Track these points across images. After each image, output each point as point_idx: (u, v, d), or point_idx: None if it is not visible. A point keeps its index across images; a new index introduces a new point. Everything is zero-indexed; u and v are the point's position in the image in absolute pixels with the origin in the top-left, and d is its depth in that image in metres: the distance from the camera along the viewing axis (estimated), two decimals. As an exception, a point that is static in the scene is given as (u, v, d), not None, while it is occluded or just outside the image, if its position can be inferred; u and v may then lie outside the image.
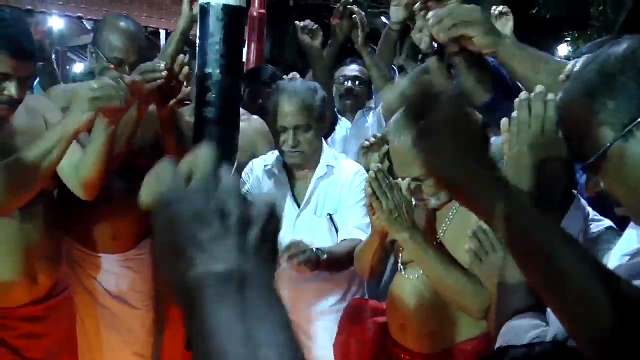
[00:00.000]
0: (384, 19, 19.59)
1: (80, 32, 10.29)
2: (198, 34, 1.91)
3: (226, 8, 1.86)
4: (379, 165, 1.77)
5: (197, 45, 1.91)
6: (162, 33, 8.44)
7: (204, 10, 1.88)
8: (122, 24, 2.22)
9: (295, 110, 2.15)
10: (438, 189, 1.80)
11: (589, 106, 0.97)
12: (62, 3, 7.56)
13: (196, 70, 1.93)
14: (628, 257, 1.09)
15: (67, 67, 12.54)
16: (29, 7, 7.19)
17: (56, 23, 9.18)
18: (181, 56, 2.07)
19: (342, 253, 2.15)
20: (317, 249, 2.08)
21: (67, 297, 2.11)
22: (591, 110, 0.96)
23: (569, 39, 19.55)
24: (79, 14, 7.66)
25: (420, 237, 1.80)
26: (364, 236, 2.15)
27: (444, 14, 1.51)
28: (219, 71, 1.87)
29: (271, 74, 2.94)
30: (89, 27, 9.13)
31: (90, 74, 2.64)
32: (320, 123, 2.22)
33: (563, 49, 20.67)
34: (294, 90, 2.18)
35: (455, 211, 1.90)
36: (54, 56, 11.46)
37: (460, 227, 1.87)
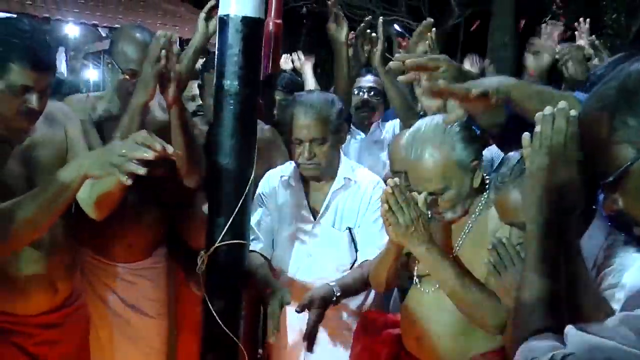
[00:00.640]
0: (396, 26, 19.64)
1: (95, 38, 10.38)
2: (217, 46, 1.93)
3: (245, 20, 1.88)
4: (396, 180, 1.76)
5: (216, 56, 1.93)
6: (177, 40, 8.52)
7: (223, 22, 1.89)
8: (138, 35, 2.20)
9: (311, 122, 2.13)
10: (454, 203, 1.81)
11: (608, 123, 0.95)
12: (77, 10, 7.66)
13: (214, 81, 1.95)
14: None
15: (82, 74, 12.66)
16: (46, 15, 7.29)
17: (71, 30, 9.30)
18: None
19: (360, 279, 2.13)
20: (331, 287, 2.05)
21: (81, 304, 2.11)
22: (610, 128, 0.95)
23: (583, 47, 19.55)
24: (94, 22, 7.75)
25: (436, 251, 1.79)
26: None
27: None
28: (236, 82, 1.88)
29: (287, 81, 2.92)
30: (104, 34, 9.23)
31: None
32: (337, 135, 2.21)
33: (576, 57, 20.67)
34: (310, 102, 2.16)
35: (470, 225, 1.89)
36: (66, 63, 11.61)
37: (476, 240, 1.87)
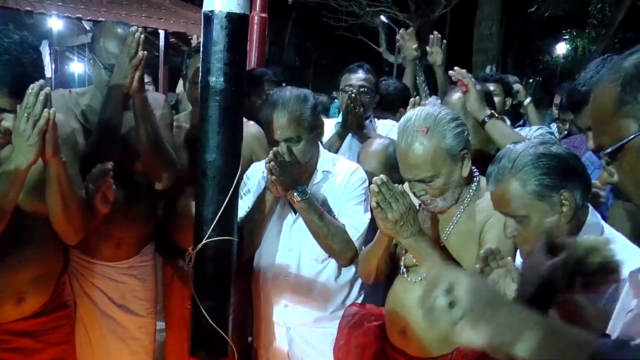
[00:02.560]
0: (383, 17, 19.56)
1: (78, 31, 10.29)
2: (202, 42, 1.92)
3: (230, 16, 1.86)
4: (383, 177, 1.78)
5: (201, 53, 1.92)
6: (161, 33, 8.44)
7: (208, 18, 1.88)
8: (119, 30, 2.21)
9: (285, 123, 2.11)
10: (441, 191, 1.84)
11: (618, 95, 0.96)
12: (61, 4, 7.55)
13: (200, 77, 1.94)
14: (629, 313, 1.09)
15: (66, 66, 12.55)
16: (28, 9, 7.19)
17: (55, 24, 9.20)
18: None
19: (334, 224, 2.17)
20: (304, 188, 2.11)
21: (63, 314, 2.08)
22: (620, 100, 0.96)
23: (567, 37, 19.60)
24: (78, 15, 7.65)
25: (425, 241, 1.82)
26: (356, 234, 2.19)
27: None
28: (222, 79, 1.87)
29: (258, 75, 2.91)
30: (88, 28, 9.14)
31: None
32: (313, 131, 2.19)
33: (561, 47, 20.72)
34: (282, 102, 2.13)
35: (459, 215, 1.92)
36: (50, 56, 11.46)
37: (464, 231, 1.90)
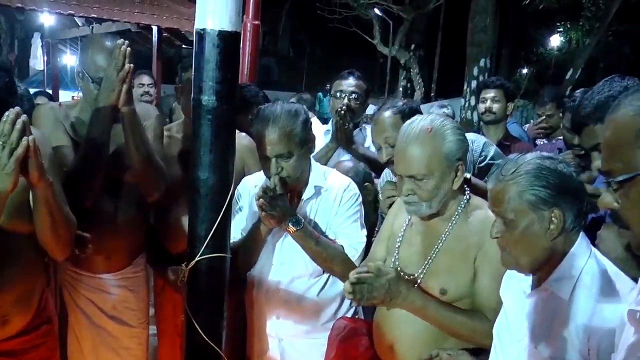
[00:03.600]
0: (377, 10, 19.49)
1: (70, 25, 10.20)
2: (194, 60, 1.92)
3: (221, 34, 1.87)
4: (352, 277, 1.80)
5: (193, 70, 1.92)
6: (154, 29, 8.38)
7: (200, 36, 1.88)
8: (107, 43, 2.20)
9: (275, 139, 2.11)
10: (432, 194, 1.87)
11: (636, 128, 0.98)
12: (53, 0, 7.48)
13: (192, 95, 1.94)
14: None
15: (58, 59, 12.46)
16: (19, 5, 7.10)
17: (47, 19, 9.13)
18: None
19: (332, 247, 2.19)
20: (298, 217, 2.12)
21: (46, 330, 2.07)
22: (637, 133, 0.98)
23: (561, 29, 19.59)
24: (70, 11, 7.55)
25: (418, 299, 1.86)
26: (355, 254, 2.21)
27: None
28: (214, 97, 1.87)
29: (249, 97, 2.94)
30: (80, 24, 9.06)
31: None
32: (304, 146, 2.19)
33: (555, 40, 20.72)
34: (273, 118, 2.13)
35: (447, 233, 1.94)
36: (42, 49, 11.34)
37: (454, 247, 1.91)
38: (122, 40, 2.13)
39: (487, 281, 1.84)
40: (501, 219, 1.56)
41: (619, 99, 1.09)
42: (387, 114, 2.44)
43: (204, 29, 1.87)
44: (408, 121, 1.94)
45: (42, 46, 12.36)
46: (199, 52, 1.89)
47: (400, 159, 1.90)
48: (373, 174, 2.72)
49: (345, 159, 2.92)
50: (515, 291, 1.68)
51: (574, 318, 1.47)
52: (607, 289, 1.46)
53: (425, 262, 1.93)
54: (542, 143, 3.97)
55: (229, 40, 1.88)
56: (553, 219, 1.51)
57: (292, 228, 2.11)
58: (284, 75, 27.52)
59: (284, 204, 2.09)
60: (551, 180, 1.51)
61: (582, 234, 1.55)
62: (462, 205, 1.94)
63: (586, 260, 1.52)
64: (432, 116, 1.94)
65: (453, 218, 1.93)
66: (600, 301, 1.45)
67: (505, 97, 3.69)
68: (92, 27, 9.22)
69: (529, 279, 1.63)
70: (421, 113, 2.42)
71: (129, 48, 2.10)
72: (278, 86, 22.94)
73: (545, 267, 1.55)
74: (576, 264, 1.51)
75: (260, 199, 2.04)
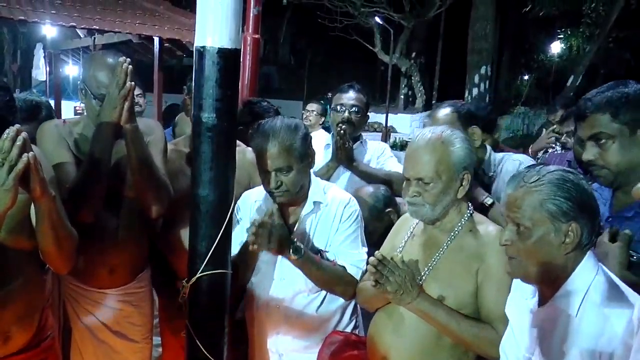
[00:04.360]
0: (377, 18, 19.57)
1: (72, 35, 10.26)
2: (194, 78, 1.92)
3: (221, 51, 1.87)
4: (378, 255, 1.85)
5: (193, 88, 1.93)
6: (156, 40, 8.43)
7: (200, 54, 1.88)
8: (109, 60, 2.21)
9: (275, 153, 2.13)
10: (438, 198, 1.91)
11: None
12: (54, 12, 7.53)
13: (192, 112, 1.95)
14: None
15: (60, 69, 12.53)
16: (22, 17, 7.16)
17: (49, 31, 9.18)
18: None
19: (333, 270, 2.20)
20: (298, 245, 2.11)
21: (47, 346, 2.07)
22: None
23: (562, 36, 19.65)
24: (72, 23, 7.62)
25: (426, 302, 1.89)
26: (358, 273, 2.22)
27: None
28: (214, 115, 1.88)
29: (260, 111, 2.95)
30: (82, 35, 9.12)
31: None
32: (304, 161, 2.20)
33: (556, 46, 20.78)
34: (273, 132, 2.15)
35: (449, 243, 1.96)
36: (44, 60, 11.41)
37: (455, 260, 1.93)
38: (123, 58, 2.14)
39: (492, 294, 1.86)
40: (515, 226, 1.55)
41: None
42: (445, 111, 2.54)
43: (203, 47, 1.88)
44: (419, 130, 2.01)
45: (44, 57, 12.43)
46: (198, 70, 1.89)
47: (410, 162, 1.96)
48: (396, 198, 2.71)
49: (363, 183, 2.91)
50: (521, 307, 1.68)
51: (583, 336, 1.46)
52: (617, 304, 1.45)
53: (425, 270, 1.95)
54: (554, 152, 3.97)
55: (228, 58, 1.88)
56: (570, 232, 1.49)
57: (293, 256, 2.11)
58: (285, 83, 27.63)
59: (282, 232, 2.08)
60: (574, 194, 1.49)
61: (590, 251, 1.54)
62: (465, 219, 1.96)
63: (594, 276, 1.50)
64: (444, 127, 2.00)
65: (455, 230, 1.96)
66: (610, 317, 1.43)
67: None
68: (94, 38, 9.30)
69: (535, 296, 1.63)
70: (477, 117, 2.52)
71: (130, 66, 2.11)
72: (279, 94, 23.01)
73: (552, 282, 1.54)
74: (583, 280, 1.50)
75: (257, 234, 2.02)
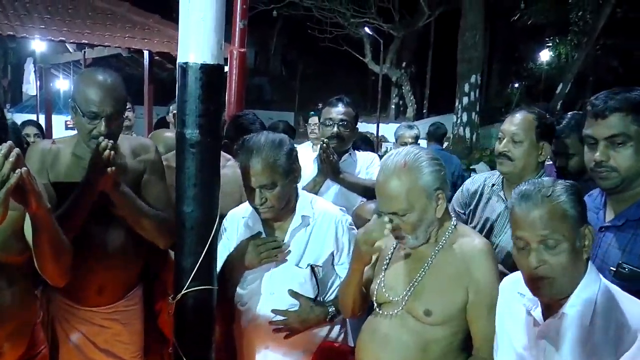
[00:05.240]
0: (367, 29, 19.67)
1: (63, 50, 10.26)
2: (177, 94, 1.93)
3: (204, 67, 1.87)
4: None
5: (177, 105, 1.93)
6: (146, 53, 8.43)
7: (183, 70, 1.89)
8: (99, 77, 2.18)
9: (259, 170, 2.13)
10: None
11: None
12: (43, 27, 7.52)
13: (176, 129, 1.95)
14: None
15: (51, 84, 12.51)
16: (10, 33, 7.15)
17: (39, 46, 9.17)
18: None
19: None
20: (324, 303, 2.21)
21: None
22: None
23: (550, 44, 19.80)
24: (61, 38, 7.60)
25: None
26: None
27: None
28: (197, 131, 1.88)
29: (246, 125, 2.96)
30: (72, 50, 9.11)
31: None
32: (289, 176, 2.20)
33: (545, 54, 20.94)
34: (257, 148, 2.15)
35: (434, 256, 1.96)
36: (35, 74, 11.37)
37: (442, 272, 1.93)
38: (105, 142, 2.06)
39: (484, 314, 1.86)
40: (541, 246, 1.51)
41: None
42: (525, 113, 2.45)
43: (186, 63, 1.88)
44: (385, 156, 1.98)
45: (34, 71, 12.42)
46: (181, 86, 1.89)
47: (381, 197, 1.93)
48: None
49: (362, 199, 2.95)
50: (522, 322, 1.67)
51: (600, 345, 1.45)
52: (629, 307, 1.46)
53: (411, 284, 1.95)
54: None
55: (211, 74, 1.88)
56: (587, 234, 1.50)
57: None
58: (277, 94, 27.68)
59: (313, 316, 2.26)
60: (579, 199, 1.52)
61: (591, 261, 1.55)
62: (449, 232, 1.97)
63: (599, 285, 1.51)
64: (407, 149, 1.95)
65: (440, 243, 1.96)
66: (625, 322, 1.43)
67: None
68: (85, 52, 9.29)
69: (538, 306, 1.61)
70: (554, 128, 2.49)
71: (112, 151, 2.05)
72: (271, 106, 23.03)
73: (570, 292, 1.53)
74: (591, 289, 1.50)
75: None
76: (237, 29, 3.14)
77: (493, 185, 2.55)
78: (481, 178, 2.66)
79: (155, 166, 2.37)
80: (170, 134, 3.05)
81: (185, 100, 1.89)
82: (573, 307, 1.51)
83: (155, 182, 2.34)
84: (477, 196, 2.58)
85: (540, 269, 1.52)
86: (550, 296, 1.55)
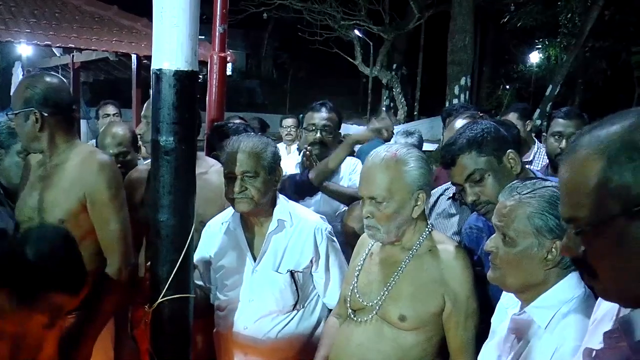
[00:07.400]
0: (357, 31, 19.65)
1: (50, 53, 10.21)
2: (151, 101, 1.91)
3: (177, 74, 1.85)
4: None
5: (151, 112, 1.91)
6: (133, 56, 8.40)
7: (157, 77, 1.86)
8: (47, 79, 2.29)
9: (244, 157, 2.15)
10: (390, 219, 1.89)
11: (603, 171, 0.88)
12: (29, 31, 7.47)
13: (151, 137, 1.93)
14: None
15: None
16: (-5, 37, 7.10)
17: (25, 50, 9.10)
18: None
19: None
20: None
21: None
22: (605, 176, 0.88)
23: (540, 46, 19.89)
24: (47, 42, 7.56)
25: None
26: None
27: None
28: (172, 138, 1.86)
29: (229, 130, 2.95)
30: (58, 54, 9.05)
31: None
32: (271, 175, 2.20)
33: (535, 56, 21.03)
34: (244, 139, 2.20)
35: (407, 261, 1.95)
36: (21, 77, 11.34)
37: (413, 277, 1.93)
38: None
39: (461, 323, 1.87)
40: (501, 235, 1.54)
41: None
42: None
43: (160, 69, 1.86)
44: (376, 149, 1.99)
45: (23, 75, 12.32)
46: (156, 93, 1.87)
47: (364, 181, 1.94)
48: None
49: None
50: (502, 315, 1.68)
51: (545, 349, 1.45)
52: (569, 330, 1.43)
53: (385, 289, 1.94)
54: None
55: (185, 80, 1.86)
56: (553, 249, 1.48)
57: None
58: (268, 97, 27.63)
59: None
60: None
61: (575, 272, 1.52)
62: (424, 237, 1.95)
63: (572, 296, 1.49)
64: (400, 145, 1.98)
65: (414, 248, 1.95)
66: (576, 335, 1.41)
67: (522, 117, 4.07)
68: (73, 56, 9.24)
69: (517, 304, 1.61)
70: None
71: None
72: (263, 109, 22.98)
73: (530, 293, 1.53)
74: (560, 297, 1.49)
75: None
76: (217, 34, 3.12)
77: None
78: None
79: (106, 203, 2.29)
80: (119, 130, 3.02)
81: (159, 107, 1.87)
82: (534, 308, 1.51)
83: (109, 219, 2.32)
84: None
85: (491, 256, 1.58)
86: (501, 286, 1.59)
